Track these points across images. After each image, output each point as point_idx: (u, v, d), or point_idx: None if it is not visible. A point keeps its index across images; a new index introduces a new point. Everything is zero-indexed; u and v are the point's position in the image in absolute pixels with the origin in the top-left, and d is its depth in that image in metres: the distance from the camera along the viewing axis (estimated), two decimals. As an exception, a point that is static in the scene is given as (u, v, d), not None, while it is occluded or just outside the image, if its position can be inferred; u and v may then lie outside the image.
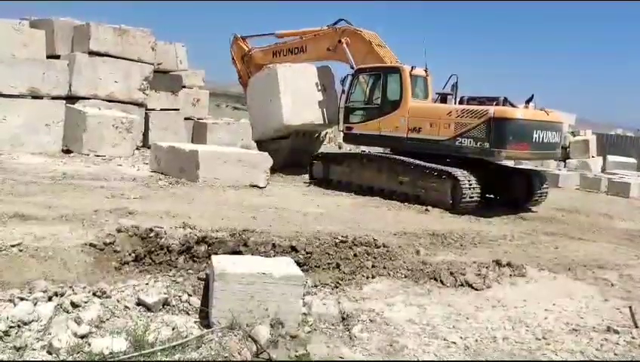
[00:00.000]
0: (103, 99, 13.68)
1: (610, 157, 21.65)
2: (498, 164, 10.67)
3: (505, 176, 10.98)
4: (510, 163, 12.70)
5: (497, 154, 9.62)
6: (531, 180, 10.79)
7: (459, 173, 9.56)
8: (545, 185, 10.96)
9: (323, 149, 14.43)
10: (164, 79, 16.16)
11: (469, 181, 9.51)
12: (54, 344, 3.41)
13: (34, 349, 3.43)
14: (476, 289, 5.30)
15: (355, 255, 5.77)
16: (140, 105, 14.66)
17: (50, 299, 3.88)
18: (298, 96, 12.53)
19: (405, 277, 5.48)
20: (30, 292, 3.89)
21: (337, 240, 6.02)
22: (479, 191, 9.64)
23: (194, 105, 17.99)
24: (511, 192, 10.85)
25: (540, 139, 9.76)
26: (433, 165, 9.89)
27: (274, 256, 5.35)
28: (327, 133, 15.57)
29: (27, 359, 3.35)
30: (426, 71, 11.22)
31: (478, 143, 9.61)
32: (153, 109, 15.61)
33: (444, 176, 9.69)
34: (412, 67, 10.93)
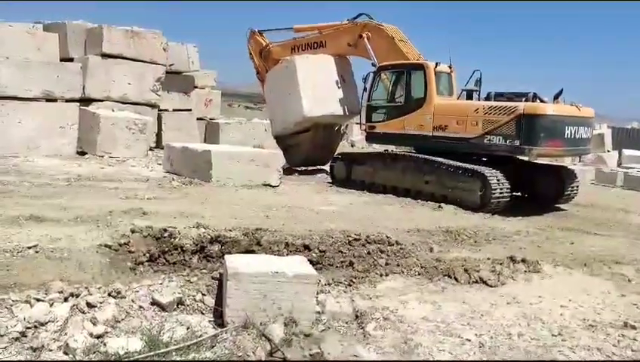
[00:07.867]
0: (117, 101, 13.79)
1: (626, 151, 21.37)
2: (526, 161, 10.39)
3: (533, 174, 10.69)
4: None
5: (529, 152, 9.39)
6: (562, 176, 10.51)
7: (488, 171, 9.32)
8: (576, 181, 10.65)
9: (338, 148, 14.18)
10: (177, 80, 16.26)
11: (498, 179, 9.26)
12: (70, 344, 3.45)
13: (50, 350, 3.47)
14: (491, 286, 5.26)
15: (368, 253, 5.76)
16: (152, 106, 14.77)
17: (66, 299, 3.92)
18: (318, 87, 12.32)
19: (419, 274, 5.46)
20: (46, 294, 3.93)
21: (350, 238, 6.01)
22: (509, 189, 9.40)
23: (206, 105, 18.07)
24: (541, 190, 10.56)
25: (572, 136, 9.47)
26: (461, 164, 9.66)
27: (287, 254, 5.35)
28: (347, 125, 15.34)
29: (44, 359, 3.39)
30: (450, 67, 10.97)
31: (508, 141, 9.34)
32: (166, 110, 15.74)
33: (472, 174, 9.44)
34: (436, 63, 10.67)
